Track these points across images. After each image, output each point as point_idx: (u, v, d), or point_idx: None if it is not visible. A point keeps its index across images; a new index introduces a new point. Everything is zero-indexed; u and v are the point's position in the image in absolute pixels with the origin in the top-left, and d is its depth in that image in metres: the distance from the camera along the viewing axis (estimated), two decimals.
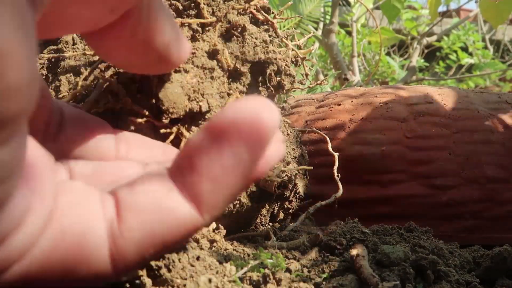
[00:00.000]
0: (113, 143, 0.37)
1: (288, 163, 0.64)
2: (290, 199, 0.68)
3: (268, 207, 0.63)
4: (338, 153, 0.73)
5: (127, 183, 0.28)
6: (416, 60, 2.61)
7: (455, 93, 0.86)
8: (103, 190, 0.28)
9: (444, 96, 0.84)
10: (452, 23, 3.07)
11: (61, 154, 0.34)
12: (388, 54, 2.83)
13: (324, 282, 0.46)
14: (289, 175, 0.64)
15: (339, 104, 0.87)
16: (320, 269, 0.49)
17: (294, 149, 0.69)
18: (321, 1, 1.83)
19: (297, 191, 0.68)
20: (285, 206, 0.69)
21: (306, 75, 0.62)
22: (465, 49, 3.25)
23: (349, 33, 2.59)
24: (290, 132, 0.71)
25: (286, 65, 0.57)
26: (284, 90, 0.57)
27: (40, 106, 0.32)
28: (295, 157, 0.69)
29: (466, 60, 3.18)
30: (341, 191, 0.67)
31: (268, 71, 0.55)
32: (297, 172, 0.66)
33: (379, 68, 2.66)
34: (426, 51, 3.08)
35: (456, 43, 3.15)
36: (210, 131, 0.26)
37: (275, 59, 0.55)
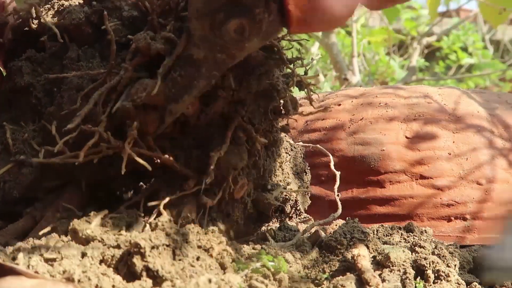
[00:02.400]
0: None
1: (288, 183, 0.65)
2: (290, 215, 0.69)
3: (266, 225, 0.63)
4: (338, 153, 0.73)
5: None
6: (416, 60, 2.61)
7: (455, 93, 0.86)
8: None
9: (444, 96, 0.84)
10: (452, 23, 3.07)
11: None
12: (388, 54, 2.83)
13: (324, 282, 0.46)
14: (289, 194, 0.65)
15: (339, 104, 0.87)
16: (320, 269, 0.49)
17: (296, 165, 0.70)
18: None
19: (298, 208, 0.69)
20: (285, 222, 0.70)
21: (311, 100, 0.62)
22: (465, 49, 3.24)
23: (349, 33, 2.58)
24: (294, 148, 0.71)
25: (289, 91, 0.57)
26: (287, 116, 0.58)
27: None
28: (297, 173, 0.69)
29: (466, 60, 3.18)
30: (340, 211, 0.67)
31: (271, 103, 0.56)
32: (297, 191, 0.67)
33: (379, 68, 2.66)
34: (426, 51, 3.08)
35: (456, 43, 3.15)
36: None
37: (278, 86, 0.55)
